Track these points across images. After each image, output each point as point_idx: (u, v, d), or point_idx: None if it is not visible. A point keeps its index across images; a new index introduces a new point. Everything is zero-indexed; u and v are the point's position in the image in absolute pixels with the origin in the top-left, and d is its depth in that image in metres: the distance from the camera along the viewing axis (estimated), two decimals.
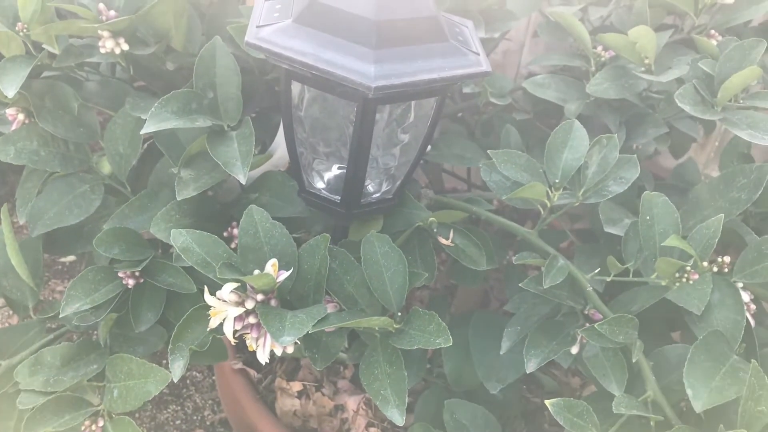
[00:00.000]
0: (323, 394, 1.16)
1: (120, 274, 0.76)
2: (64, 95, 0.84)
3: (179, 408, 1.58)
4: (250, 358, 1.18)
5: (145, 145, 0.91)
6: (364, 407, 1.14)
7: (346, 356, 1.08)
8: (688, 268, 0.71)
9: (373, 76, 0.60)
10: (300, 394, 1.15)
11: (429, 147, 0.96)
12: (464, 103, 1.09)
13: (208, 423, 1.54)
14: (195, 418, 1.56)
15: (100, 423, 0.69)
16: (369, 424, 1.13)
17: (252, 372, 1.18)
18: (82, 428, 0.69)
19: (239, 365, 1.16)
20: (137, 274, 0.77)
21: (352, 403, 1.14)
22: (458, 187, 1.41)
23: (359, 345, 0.86)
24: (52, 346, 0.74)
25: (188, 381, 1.64)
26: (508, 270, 1.03)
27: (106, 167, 0.86)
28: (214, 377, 1.60)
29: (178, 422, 1.55)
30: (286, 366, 1.19)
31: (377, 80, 0.60)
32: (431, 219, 0.79)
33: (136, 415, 1.53)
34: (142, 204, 0.80)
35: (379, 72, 0.61)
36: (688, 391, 0.66)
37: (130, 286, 0.77)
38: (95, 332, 0.79)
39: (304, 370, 1.19)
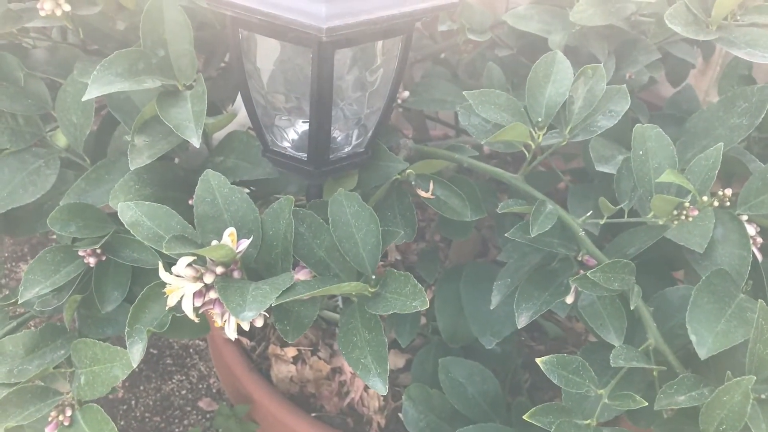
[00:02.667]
0: (319, 358, 1.12)
1: (80, 253, 0.72)
2: (7, 65, 0.78)
3: (184, 377, 1.56)
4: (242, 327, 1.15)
5: (105, 111, 0.86)
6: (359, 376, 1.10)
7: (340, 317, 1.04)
8: (687, 204, 0.65)
9: (325, 16, 0.54)
10: (295, 360, 1.12)
11: (407, 93, 0.90)
12: (445, 43, 1.02)
13: (214, 390, 1.52)
14: (201, 386, 1.54)
15: (68, 412, 0.65)
16: (367, 386, 1.09)
17: (245, 340, 1.14)
18: (49, 419, 0.65)
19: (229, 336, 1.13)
20: (98, 251, 0.72)
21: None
22: (449, 134, 1.35)
23: (347, 304, 0.81)
24: (14, 334, 0.70)
25: (191, 350, 1.62)
26: (499, 218, 0.97)
27: (61, 139, 0.80)
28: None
29: (183, 392, 1.53)
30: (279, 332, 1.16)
31: (329, 20, 0.54)
32: (408, 171, 0.73)
33: (141, 387, 1.52)
34: (99, 176, 0.75)
35: (331, 11, 0.55)
36: (692, 337, 0.61)
37: (92, 265, 0.72)
38: (61, 316, 0.75)
39: None
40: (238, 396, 1.15)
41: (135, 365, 0.60)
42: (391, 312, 0.57)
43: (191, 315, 0.57)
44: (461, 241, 1.22)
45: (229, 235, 0.58)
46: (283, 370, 1.11)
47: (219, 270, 0.57)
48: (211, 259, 0.58)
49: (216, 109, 0.94)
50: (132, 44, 0.84)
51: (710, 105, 0.78)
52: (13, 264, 1.76)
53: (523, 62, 0.98)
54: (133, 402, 1.48)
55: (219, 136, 0.81)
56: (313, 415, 1.06)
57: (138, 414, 1.46)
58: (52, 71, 0.82)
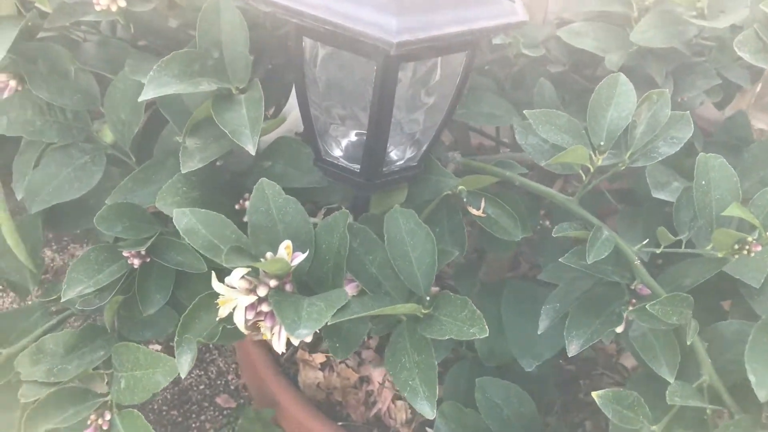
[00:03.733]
0: (347, 366, 1.11)
1: (125, 254, 0.71)
2: (58, 58, 0.77)
3: (202, 373, 1.55)
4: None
5: (152, 110, 0.85)
6: (390, 379, 1.09)
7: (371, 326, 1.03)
8: (750, 240, 0.63)
9: (395, 30, 0.53)
10: (323, 366, 1.11)
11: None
12: (493, 55, 1.01)
13: (232, 387, 1.51)
14: (219, 382, 1.53)
15: (107, 416, 0.64)
16: (395, 397, 1.08)
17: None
18: (88, 422, 0.64)
19: (259, 337, 1.11)
20: (143, 252, 0.71)
21: (377, 374, 1.10)
22: (484, 144, 1.33)
23: (384, 316, 0.80)
24: (55, 332, 0.69)
25: (211, 345, 1.61)
26: (541, 235, 0.96)
27: (107, 136, 0.79)
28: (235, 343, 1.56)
29: (201, 387, 1.52)
30: None
31: (400, 35, 0.53)
32: (460, 187, 0.71)
33: None
34: (147, 176, 0.74)
35: (401, 25, 0.53)
36: (751, 378, 0.59)
37: (135, 266, 0.71)
38: (101, 315, 0.74)
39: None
40: (263, 399, 1.14)
41: (184, 375, 0.59)
42: (446, 337, 0.55)
43: (242, 328, 0.56)
44: (495, 256, 1.20)
45: (285, 248, 0.56)
46: (311, 376, 1.09)
47: (272, 283, 0.56)
48: (264, 272, 0.57)
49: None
50: (183, 42, 0.83)
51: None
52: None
53: (575, 78, 0.96)
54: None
55: (267, 140, 0.80)
56: (340, 424, 1.05)
57: (155, 407, 1.45)
58: (101, 66, 0.81)
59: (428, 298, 0.59)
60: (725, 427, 0.59)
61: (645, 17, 0.81)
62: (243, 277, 0.55)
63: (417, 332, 0.59)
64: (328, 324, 0.54)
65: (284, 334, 0.56)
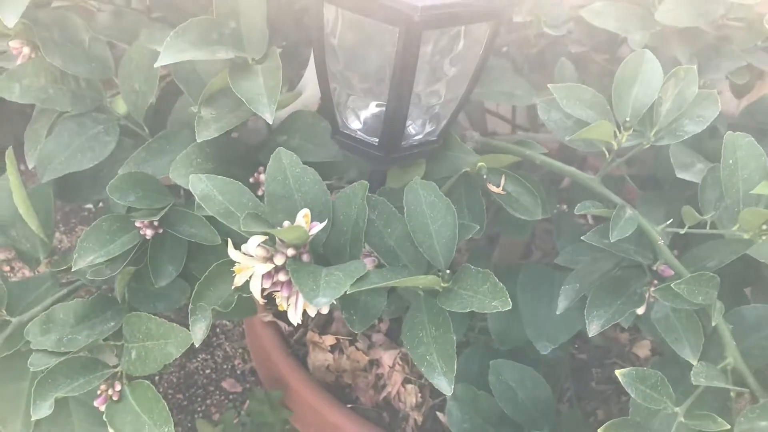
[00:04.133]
0: (357, 349, 1.10)
1: (137, 224, 0.70)
2: (73, 26, 0.76)
3: (209, 357, 1.55)
4: (281, 311, 1.12)
5: (165, 82, 0.84)
6: (400, 362, 1.08)
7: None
8: None
9: None
10: (333, 348, 1.10)
11: None
12: (510, 36, 0.99)
13: (238, 372, 1.51)
14: (225, 367, 1.53)
15: (117, 387, 0.63)
16: (405, 380, 1.07)
17: (283, 325, 1.12)
18: (98, 392, 0.63)
19: (269, 318, 1.10)
20: (156, 223, 0.70)
21: (387, 358, 1.08)
22: (497, 130, 1.32)
23: (395, 298, 0.79)
24: (65, 302, 0.68)
25: (218, 330, 1.61)
26: (558, 219, 0.94)
27: (121, 106, 0.78)
28: (243, 326, 1.56)
29: (207, 371, 1.51)
30: (318, 319, 1.13)
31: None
32: (480, 164, 0.70)
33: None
34: (161, 146, 0.73)
35: None
36: None
37: (148, 237, 0.70)
38: (112, 287, 0.73)
39: (337, 323, 1.13)
40: (272, 380, 1.13)
41: (198, 344, 0.58)
42: (468, 309, 0.54)
43: (258, 297, 0.55)
44: (508, 242, 1.19)
45: (303, 216, 0.55)
46: (320, 357, 1.08)
47: (290, 252, 0.55)
48: (281, 240, 0.56)
49: None
50: (198, 14, 0.81)
51: None
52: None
53: (595, 60, 0.95)
54: (156, 377, 1.47)
55: (281, 115, 0.79)
56: (349, 406, 1.04)
57: (161, 390, 1.45)
58: (116, 36, 0.80)
59: (448, 272, 0.58)
60: (751, 410, 0.57)
61: None
62: (260, 245, 0.54)
63: (435, 306, 0.57)
64: (346, 294, 0.53)
65: (301, 304, 0.55)
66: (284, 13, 0.87)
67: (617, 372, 0.58)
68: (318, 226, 0.56)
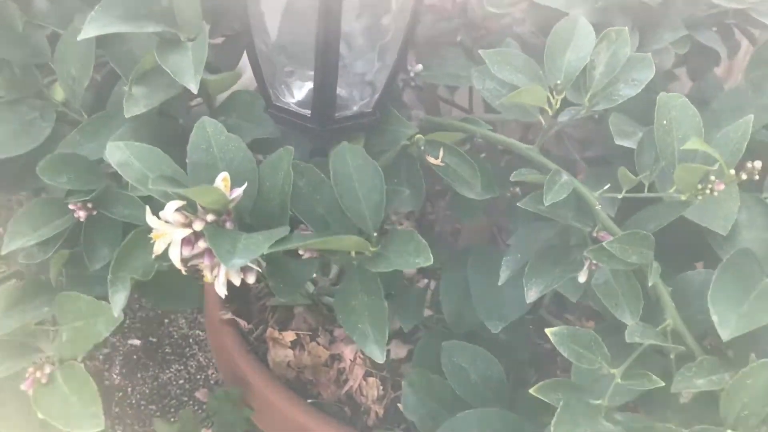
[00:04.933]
0: (318, 344, 1.08)
1: (70, 206, 0.68)
2: (6, 11, 0.75)
3: (182, 367, 1.53)
4: (241, 309, 1.11)
5: (105, 71, 0.83)
6: (361, 356, 1.06)
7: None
8: (713, 177, 0.61)
9: None
10: (294, 345, 1.08)
11: (420, 66, 0.87)
12: (460, 20, 0.99)
13: (212, 382, 1.49)
14: (199, 377, 1.51)
15: (47, 369, 0.61)
16: (367, 374, 1.05)
17: (242, 322, 1.10)
18: (26, 375, 0.61)
19: (228, 315, 1.09)
20: (89, 205, 0.69)
21: (348, 352, 1.07)
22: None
23: (346, 267, 0.78)
24: None
25: (191, 340, 1.59)
26: (512, 203, 0.93)
27: (59, 93, 0.78)
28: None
29: (181, 381, 1.50)
30: (278, 315, 1.12)
31: None
32: (418, 136, 0.69)
33: (138, 375, 1.49)
34: (95, 129, 0.72)
35: None
36: (714, 318, 0.57)
37: (82, 219, 0.69)
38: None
39: (298, 319, 1.11)
40: (234, 379, 1.11)
41: (116, 314, 0.56)
42: (392, 269, 0.53)
43: (178, 264, 0.53)
44: (471, 233, 1.18)
45: (222, 179, 0.54)
46: (281, 354, 1.07)
47: (210, 218, 0.54)
48: (201, 207, 0.54)
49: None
50: None
51: (737, 86, 0.75)
52: None
53: (542, 41, 0.95)
54: (129, 389, 1.45)
55: (223, 98, 0.78)
56: (310, 401, 1.02)
57: (134, 401, 1.43)
58: (52, 22, 0.79)
59: (376, 235, 0.57)
60: (688, 368, 0.56)
61: None
62: (178, 210, 0.53)
63: (367, 272, 0.57)
64: (271, 262, 0.52)
65: (224, 272, 0.54)
66: (227, 3, 0.87)
67: (547, 330, 0.57)
68: (238, 191, 0.55)
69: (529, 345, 1.09)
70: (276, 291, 0.57)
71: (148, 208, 0.53)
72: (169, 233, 0.53)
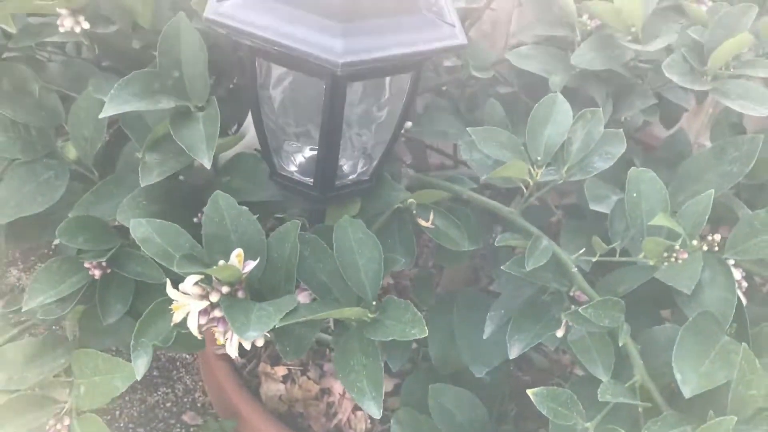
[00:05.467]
0: (309, 378, 1.13)
1: (86, 265, 0.73)
2: (23, 77, 0.80)
3: (169, 390, 1.56)
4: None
5: (115, 128, 0.88)
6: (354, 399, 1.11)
7: (331, 339, 1.05)
8: (677, 248, 0.68)
9: (341, 52, 0.57)
10: (285, 379, 1.13)
11: (410, 123, 0.93)
12: (448, 77, 1.05)
13: (199, 405, 1.52)
14: (186, 400, 1.53)
15: (66, 422, 0.66)
16: (356, 407, 1.10)
17: (235, 357, 1.15)
18: (47, 428, 0.66)
19: (222, 351, 1.13)
20: (104, 264, 0.73)
21: (338, 386, 1.12)
22: (446, 163, 1.37)
23: (343, 328, 0.83)
24: (16, 341, 0.71)
25: (178, 363, 1.62)
26: (494, 248, 0.99)
27: (71, 152, 0.82)
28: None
29: (168, 404, 1.52)
30: (270, 350, 1.17)
31: (345, 56, 0.57)
32: (410, 200, 0.75)
33: (126, 398, 1.51)
34: (108, 190, 0.77)
35: (347, 47, 0.57)
36: (677, 376, 0.63)
37: (96, 277, 0.73)
38: (63, 325, 0.76)
39: None
40: (226, 412, 1.16)
41: (139, 377, 0.61)
42: (390, 338, 0.59)
43: (195, 332, 0.59)
44: (454, 269, 1.24)
45: (236, 256, 0.60)
46: (273, 388, 1.12)
47: (225, 289, 0.59)
48: (217, 279, 0.60)
49: (223, 129, 0.96)
50: (146, 62, 0.86)
51: (702, 151, 0.81)
52: (4, 269, 1.76)
53: (523, 100, 1.01)
54: (117, 412, 1.47)
55: (226, 156, 0.83)
56: None
57: (122, 425, 1.45)
58: (65, 85, 0.84)
59: (374, 303, 0.63)
60: (654, 422, 0.62)
61: (586, 41, 0.86)
62: (196, 283, 0.58)
63: (364, 336, 0.62)
64: (278, 328, 0.57)
65: (236, 338, 0.59)
66: (229, 59, 0.92)
67: (528, 391, 0.63)
68: (251, 264, 0.60)
69: (509, 378, 1.15)
70: (283, 354, 0.62)
71: (168, 281, 0.58)
72: (187, 305, 0.58)
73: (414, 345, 1.10)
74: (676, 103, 0.96)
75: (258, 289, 0.64)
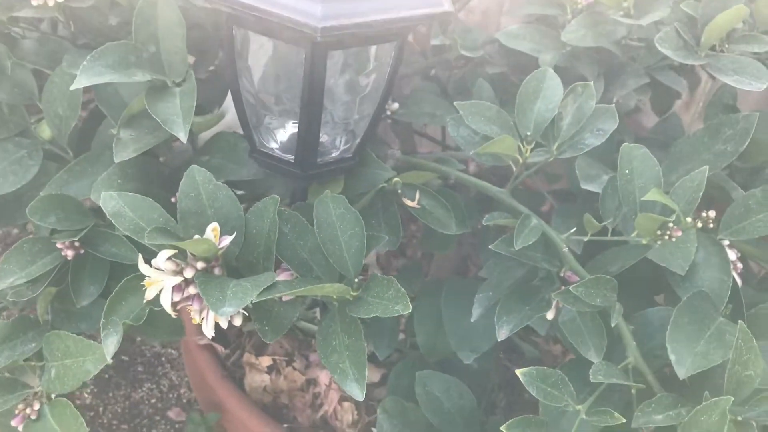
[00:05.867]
0: (294, 369, 1.11)
1: (58, 245, 0.70)
2: None
3: (154, 386, 1.54)
4: (217, 333, 1.13)
5: (91, 108, 0.85)
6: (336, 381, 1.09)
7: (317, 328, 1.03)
8: (671, 225, 0.65)
9: (320, 16, 0.54)
10: (270, 369, 1.11)
11: (397, 105, 0.91)
12: (435, 58, 1.03)
13: (184, 401, 1.50)
14: (171, 396, 1.52)
15: (36, 406, 0.63)
16: (342, 398, 1.08)
17: (219, 347, 1.13)
18: (16, 411, 0.63)
19: (204, 340, 1.11)
20: (77, 244, 0.71)
21: (324, 376, 1.10)
22: (435, 151, 1.35)
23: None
24: None
25: (163, 358, 1.60)
26: (483, 234, 0.97)
27: (45, 131, 0.79)
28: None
29: (153, 401, 1.50)
30: (255, 340, 1.14)
31: (325, 20, 0.54)
32: (396, 179, 0.73)
33: (110, 394, 1.49)
34: (83, 169, 0.74)
35: (327, 11, 0.55)
36: (671, 357, 0.61)
37: (69, 258, 0.71)
38: (35, 309, 0.73)
39: (275, 344, 1.14)
40: (210, 404, 1.13)
41: (109, 358, 0.59)
42: (372, 315, 0.56)
43: (169, 309, 0.56)
44: (442, 258, 1.22)
45: (212, 230, 0.57)
46: (257, 379, 1.09)
47: (200, 265, 0.57)
48: (192, 254, 0.57)
49: (204, 111, 0.94)
50: (123, 39, 0.84)
51: (696, 131, 0.79)
52: None
53: (513, 81, 0.99)
54: (101, 408, 1.45)
55: (205, 136, 0.81)
56: (285, 426, 1.05)
57: (105, 421, 1.43)
58: (40, 62, 0.81)
59: (357, 281, 0.60)
60: (647, 404, 0.60)
61: (577, 18, 0.84)
62: (170, 258, 0.56)
63: (347, 315, 0.60)
64: (257, 306, 0.55)
65: (212, 316, 0.57)
66: (211, 38, 0.89)
67: (517, 371, 0.61)
68: (227, 239, 0.58)
69: (499, 369, 1.13)
70: (262, 334, 0.60)
71: (140, 256, 0.55)
72: (161, 281, 0.55)
73: (402, 336, 1.08)
74: (668, 89, 0.94)
75: (235, 267, 0.61)
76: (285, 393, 1.09)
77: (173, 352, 1.60)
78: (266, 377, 1.09)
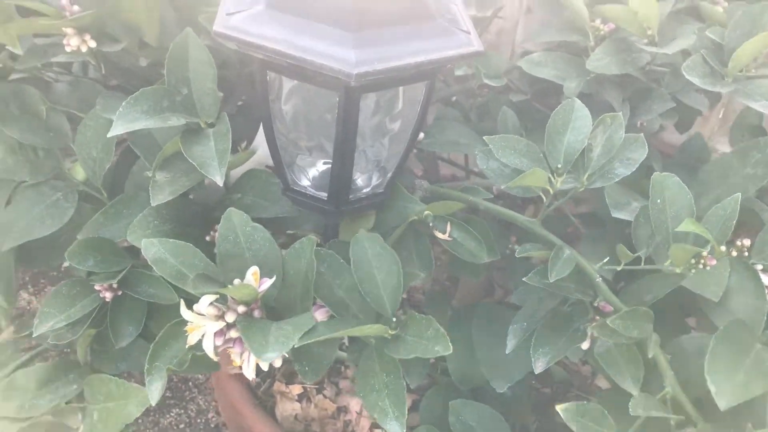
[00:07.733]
0: (325, 396, 1.11)
1: (96, 287, 0.71)
2: (30, 98, 0.78)
3: (182, 411, 1.54)
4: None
5: (123, 147, 0.86)
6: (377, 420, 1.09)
7: (347, 355, 1.03)
8: (705, 254, 0.65)
9: (354, 62, 0.55)
10: (300, 398, 1.11)
11: (422, 135, 0.91)
12: (458, 86, 1.04)
13: (212, 425, 1.50)
14: (199, 420, 1.52)
15: None
16: (373, 426, 1.08)
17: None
18: None
19: (235, 370, 1.11)
20: (114, 286, 0.72)
21: (355, 404, 1.10)
22: (457, 175, 1.36)
23: (359, 344, 0.81)
24: (27, 367, 0.69)
25: (190, 383, 1.60)
26: (511, 259, 0.97)
27: (79, 173, 0.81)
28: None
29: (182, 426, 1.51)
30: (285, 368, 1.15)
31: (358, 66, 0.55)
32: (426, 212, 0.73)
33: (139, 420, 1.49)
34: (118, 211, 0.75)
35: (360, 57, 0.55)
36: (711, 388, 0.61)
37: (107, 300, 0.72)
38: (75, 349, 0.74)
39: None
40: None
41: (154, 403, 0.59)
42: (412, 356, 0.57)
43: (211, 354, 0.57)
44: (468, 281, 1.22)
45: (252, 274, 0.58)
46: (288, 407, 1.09)
47: (240, 309, 0.57)
48: (232, 298, 0.58)
49: (233, 147, 0.95)
50: (153, 80, 0.85)
51: (724, 155, 0.79)
52: (14, 292, 1.74)
53: (537, 107, 0.99)
54: None
55: (236, 173, 0.82)
56: None
57: None
58: (73, 105, 0.82)
59: (395, 320, 0.61)
60: None
61: (600, 46, 0.84)
62: (211, 303, 0.56)
63: (385, 353, 0.60)
64: (297, 347, 0.55)
65: (253, 359, 0.57)
66: (238, 75, 0.91)
67: (558, 407, 0.61)
68: (267, 282, 0.58)
69: (531, 393, 1.13)
70: (302, 375, 0.60)
71: (182, 302, 0.56)
72: (203, 326, 0.56)
73: (432, 360, 1.08)
74: (689, 107, 0.94)
75: (274, 308, 0.62)
76: (316, 421, 1.09)
77: (200, 377, 1.61)
78: (297, 405, 1.10)
